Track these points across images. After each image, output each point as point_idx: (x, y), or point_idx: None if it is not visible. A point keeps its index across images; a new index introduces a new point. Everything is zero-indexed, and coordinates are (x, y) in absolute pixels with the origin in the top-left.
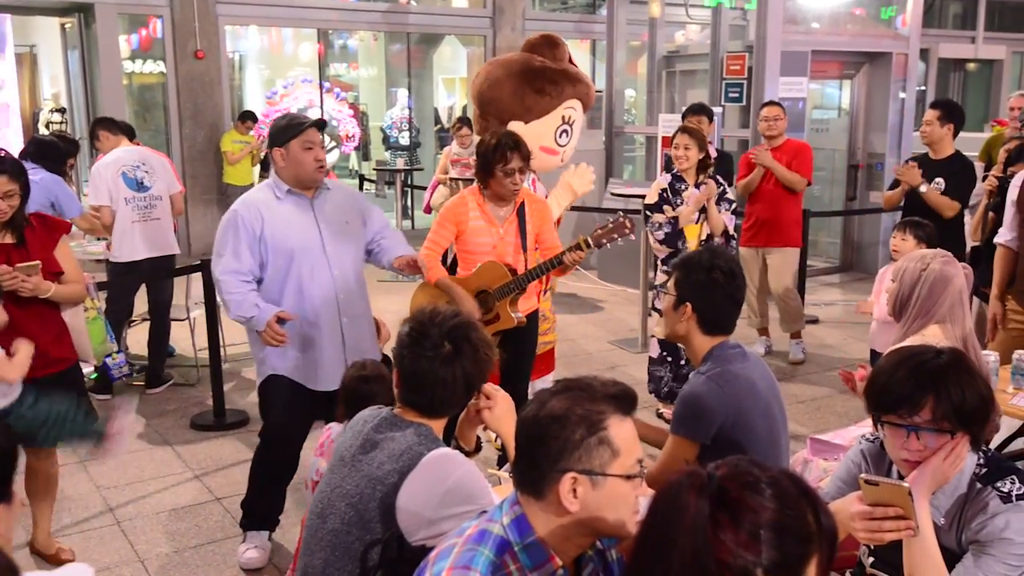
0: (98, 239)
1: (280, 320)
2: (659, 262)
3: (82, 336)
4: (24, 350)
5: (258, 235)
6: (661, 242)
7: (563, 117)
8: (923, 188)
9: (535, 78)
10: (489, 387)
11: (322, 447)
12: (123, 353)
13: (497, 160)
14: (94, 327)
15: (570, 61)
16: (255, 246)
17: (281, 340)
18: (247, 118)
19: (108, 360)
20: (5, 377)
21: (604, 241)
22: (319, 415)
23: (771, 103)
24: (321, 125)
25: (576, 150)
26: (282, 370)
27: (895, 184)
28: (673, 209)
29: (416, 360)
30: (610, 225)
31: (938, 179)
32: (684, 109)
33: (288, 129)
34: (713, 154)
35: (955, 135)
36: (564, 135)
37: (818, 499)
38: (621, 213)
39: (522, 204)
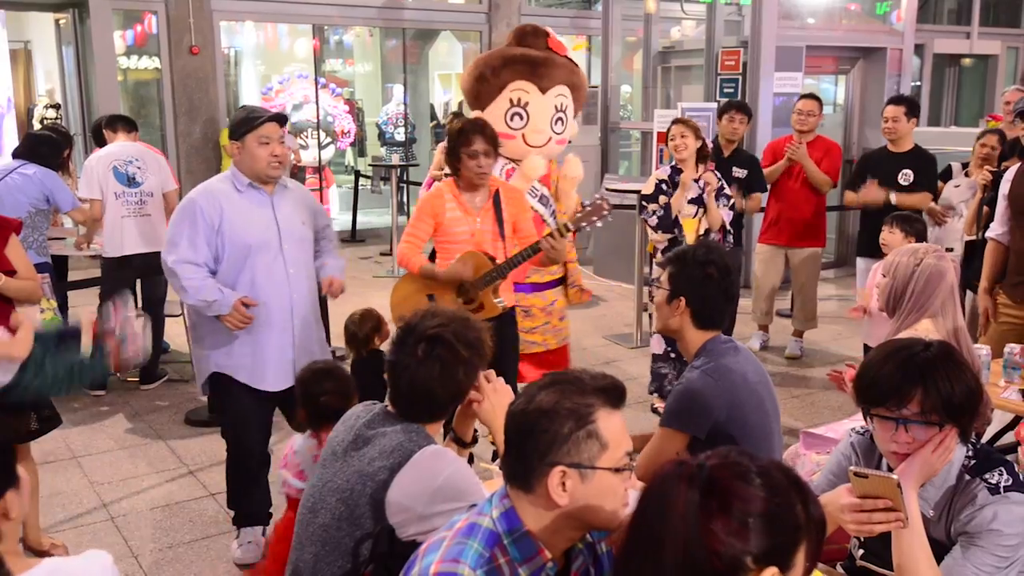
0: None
1: (244, 304)
2: (657, 253)
3: None
4: (26, 325)
5: (216, 227)
6: (655, 228)
7: (511, 100)
8: (893, 198)
9: (480, 66)
10: (483, 380)
11: (285, 459)
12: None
13: (461, 143)
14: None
15: (549, 48)
16: (212, 238)
17: (247, 321)
18: None
19: None
20: (12, 355)
21: (584, 224)
22: (275, 407)
23: (808, 96)
24: (281, 119)
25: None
26: (225, 368)
27: (855, 183)
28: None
29: (395, 363)
30: (588, 208)
31: (906, 171)
32: (721, 105)
33: (244, 123)
34: (711, 145)
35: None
36: (516, 118)
37: (807, 489)
38: (599, 195)
39: (497, 192)
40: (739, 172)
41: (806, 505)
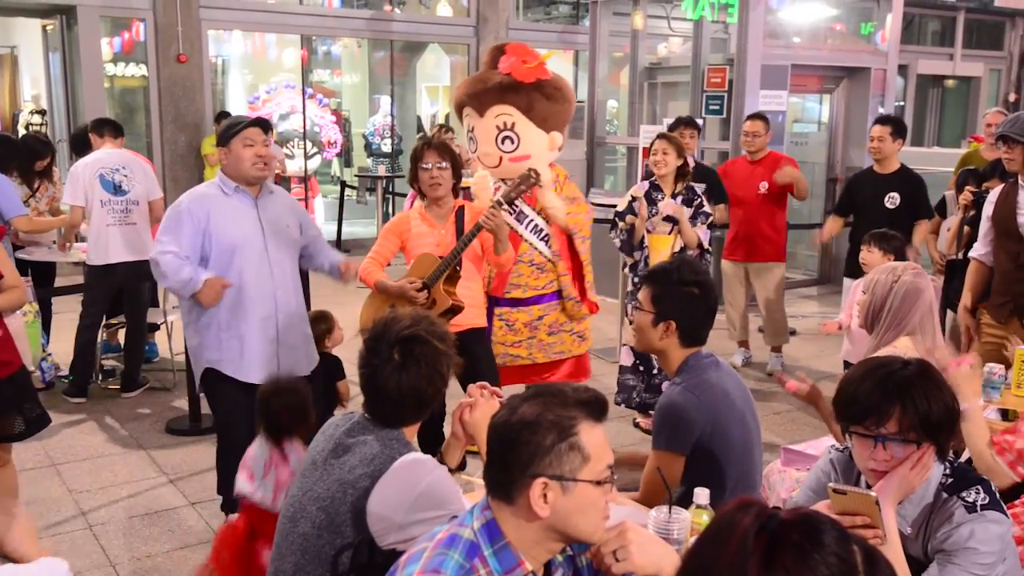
0: (81, 239)
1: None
2: (628, 268)
3: (23, 341)
4: None
5: (203, 228)
6: (620, 249)
7: (468, 127)
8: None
9: None
10: (474, 388)
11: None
12: (110, 353)
13: (417, 159)
14: (31, 331)
15: (497, 68)
16: (197, 237)
17: (219, 294)
18: (223, 118)
19: (43, 364)
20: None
21: (513, 195)
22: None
23: (753, 116)
24: (262, 124)
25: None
26: (216, 363)
27: (843, 206)
28: (648, 218)
29: (374, 372)
30: (517, 180)
31: (892, 194)
32: (671, 122)
33: (229, 128)
34: (692, 164)
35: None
36: (472, 143)
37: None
38: (527, 168)
39: (461, 208)
40: (697, 186)
41: None
